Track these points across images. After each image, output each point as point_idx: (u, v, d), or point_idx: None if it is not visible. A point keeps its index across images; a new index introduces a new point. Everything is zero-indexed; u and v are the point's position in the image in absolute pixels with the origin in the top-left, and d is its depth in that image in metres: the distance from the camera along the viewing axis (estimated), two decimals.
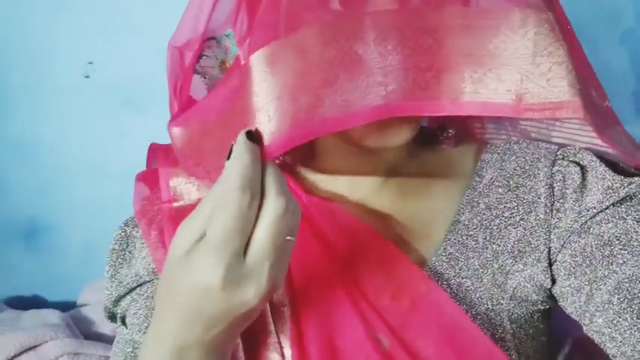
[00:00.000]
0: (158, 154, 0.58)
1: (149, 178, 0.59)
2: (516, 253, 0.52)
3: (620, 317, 0.45)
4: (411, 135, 0.50)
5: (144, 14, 0.92)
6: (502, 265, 0.52)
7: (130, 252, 0.59)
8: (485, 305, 0.51)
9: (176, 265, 0.40)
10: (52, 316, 0.90)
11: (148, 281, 0.56)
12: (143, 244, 0.57)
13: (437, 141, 0.59)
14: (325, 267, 0.51)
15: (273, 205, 0.39)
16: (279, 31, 0.43)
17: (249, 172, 0.39)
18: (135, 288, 0.57)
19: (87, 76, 0.95)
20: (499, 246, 0.52)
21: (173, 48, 0.53)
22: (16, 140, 1.00)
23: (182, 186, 0.55)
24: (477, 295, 0.51)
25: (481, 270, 0.52)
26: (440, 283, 0.51)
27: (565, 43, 0.41)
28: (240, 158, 0.39)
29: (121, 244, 0.59)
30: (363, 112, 0.41)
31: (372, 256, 0.51)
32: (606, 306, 0.46)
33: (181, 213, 0.53)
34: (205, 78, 0.53)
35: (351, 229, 0.52)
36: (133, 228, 0.59)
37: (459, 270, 0.52)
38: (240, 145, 0.40)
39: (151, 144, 0.61)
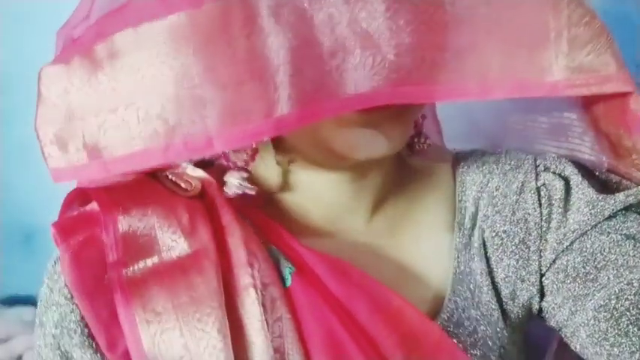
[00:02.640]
0: (92, 189, 0.43)
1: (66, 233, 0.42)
2: (513, 281, 0.49)
3: (606, 334, 0.43)
4: (403, 139, 0.43)
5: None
6: (502, 300, 0.49)
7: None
8: (497, 344, 0.48)
9: None
10: (28, 312, 0.94)
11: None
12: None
13: (414, 151, 0.51)
14: (343, 334, 0.42)
15: None
16: None
17: None
18: None
19: None
20: (497, 281, 0.49)
21: (63, 36, 0.46)
22: (16, 143, 1.00)
23: (139, 232, 0.40)
24: (488, 334, 0.48)
25: (488, 313, 0.48)
26: (456, 335, 0.47)
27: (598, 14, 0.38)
28: None
29: (45, 300, 0.43)
30: (365, 95, 0.35)
31: (391, 319, 0.44)
32: (592, 322, 0.44)
33: (146, 280, 0.39)
34: None
35: (363, 289, 0.45)
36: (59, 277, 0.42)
37: (469, 322, 0.48)
38: None
39: (75, 189, 0.45)
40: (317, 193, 0.47)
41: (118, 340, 0.39)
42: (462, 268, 0.49)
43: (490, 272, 0.49)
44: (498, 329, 0.48)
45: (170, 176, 0.45)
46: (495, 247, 0.49)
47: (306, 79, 0.35)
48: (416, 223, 0.51)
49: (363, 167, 0.46)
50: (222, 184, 0.45)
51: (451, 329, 0.47)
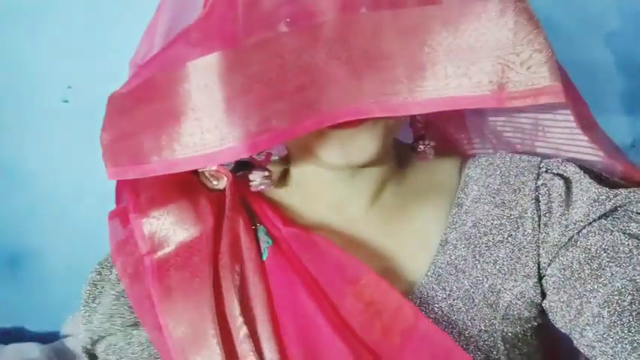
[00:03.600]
0: (126, 192, 0.55)
1: (122, 216, 0.56)
2: (506, 270, 0.51)
3: (610, 331, 0.45)
4: (376, 150, 0.48)
5: (121, 36, 0.86)
6: (493, 284, 0.50)
7: (100, 297, 0.56)
8: (478, 327, 0.50)
9: None
10: (33, 350, 0.88)
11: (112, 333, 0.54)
12: (114, 288, 0.55)
13: (417, 153, 0.57)
14: (310, 305, 0.49)
15: None
16: (225, 44, 0.44)
17: None
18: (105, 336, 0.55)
19: (65, 101, 0.94)
20: (488, 264, 0.51)
21: (134, 65, 0.53)
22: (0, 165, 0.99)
23: (159, 228, 0.52)
24: (470, 317, 0.50)
25: (472, 290, 0.50)
26: (430, 306, 0.50)
27: (543, 31, 0.41)
28: None
29: (94, 287, 0.56)
30: (327, 115, 0.42)
31: (358, 290, 0.49)
32: (596, 320, 0.46)
33: (165, 263, 0.51)
34: None
35: (335, 262, 0.50)
36: (109, 269, 0.56)
37: (450, 292, 0.51)
38: None
39: (118, 181, 0.57)
40: (316, 188, 0.55)
41: (150, 312, 0.50)
42: (448, 256, 0.52)
43: (478, 263, 0.51)
44: (482, 315, 0.50)
45: (206, 172, 0.55)
46: (486, 240, 0.51)
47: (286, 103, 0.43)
48: (411, 215, 0.55)
49: (351, 168, 0.51)
50: (246, 179, 0.55)
51: (423, 306, 0.51)
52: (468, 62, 0.42)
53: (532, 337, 0.53)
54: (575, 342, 0.49)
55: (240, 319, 0.48)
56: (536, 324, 0.53)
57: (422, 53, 0.42)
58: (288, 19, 0.44)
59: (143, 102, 0.47)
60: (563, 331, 0.50)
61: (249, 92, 0.43)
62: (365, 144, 0.47)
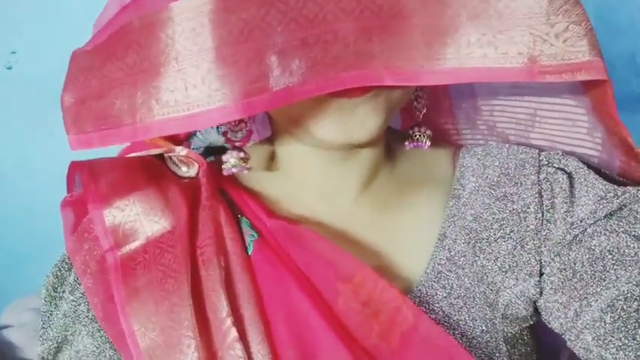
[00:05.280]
0: (83, 176, 0.48)
1: (77, 205, 0.50)
2: (507, 268, 0.48)
3: (612, 336, 0.43)
4: (378, 126, 0.43)
5: (75, 2, 0.83)
6: (492, 282, 0.48)
7: (59, 302, 0.49)
8: (480, 327, 0.47)
9: None
10: None
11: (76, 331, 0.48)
12: (74, 292, 0.49)
13: (410, 140, 0.52)
14: (302, 304, 0.44)
15: None
16: None
17: None
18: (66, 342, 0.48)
19: (9, 67, 0.88)
20: (489, 261, 0.48)
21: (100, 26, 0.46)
22: None
23: (123, 219, 0.46)
24: (471, 317, 0.47)
25: (472, 288, 0.48)
26: (431, 305, 0.47)
27: (580, 1, 0.38)
28: None
29: (53, 290, 0.50)
30: (331, 79, 0.37)
31: (352, 289, 0.45)
32: (597, 324, 0.44)
33: (131, 260, 0.45)
34: None
35: (326, 257, 0.46)
36: (67, 271, 0.49)
37: (450, 290, 0.48)
38: None
39: (72, 162, 0.51)
40: (305, 173, 0.50)
41: (114, 317, 0.45)
42: (447, 252, 0.49)
43: (478, 259, 0.49)
44: (483, 315, 0.48)
45: (174, 158, 0.50)
46: (487, 235, 0.49)
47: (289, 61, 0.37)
48: (405, 204, 0.51)
49: (344, 149, 0.47)
50: (219, 165, 0.50)
51: (424, 306, 0.47)
52: (495, 30, 0.38)
53: (528, 336, 0.51)
54: (569, 343, 0.47)
55: (229, 321, 0.43)
56: (532, 322, 0.50)
57: (443, 16, 0.38)
58: None
59: (115, 55, 0.40)
60: (556, 331, 0.48)
61: (245, 40, 0.37)
62: (367, 117, 0.42)
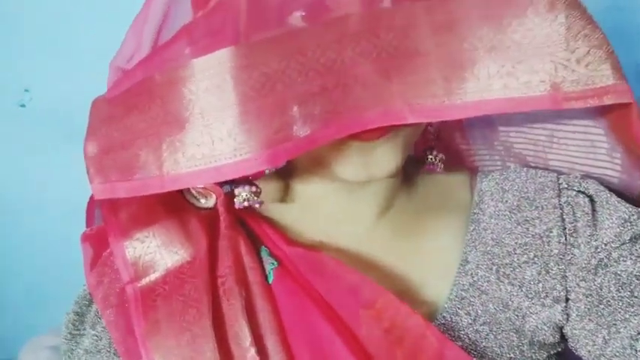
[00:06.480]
0: (103, 209, 0.48)
1: (96, 239, 0.50)
2: (533, 294, 0.47)
3: None
4: (398, 163, 0.43)
5: (86, 36, 0.84)
6: (518, 308, 0.47)
7: (81, 340, 0.49)
8: (508, 355, 0.46)
9: None
10: None
11: None
12: (95, 327, 0.48)
13: (424, 165, 0.52)
14: (325, 332, 0.44)
15: None
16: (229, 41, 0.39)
17: None
18: None
19: (22, 105, 0.88)
20: (514, 286, 0.47)
21: (116, 68, 0.47)
22: None
23: (143, 252, 0.46)
24: (498, 344, 0.46)
25: (498, 315, 0.47)
26: (456, 332, 0.46)
27: (599, 25, 0.38)
28: None
29: (73, 328, 0.49)
30: (352, 121, 0.38)
31: (374, 315, 0.44)
32: (627, 351, 0.43)
33: (151, 292, 0.45)
34: None
35: (347, 283, 0.45)
36: (87, 307, 0.49)
37: (475, 316, 0.47)
38: None
39: (91, 197, 0.51)
40: (322, 204, 0.49)
41: (135, 351, 0.44)
42: (470, 277, 0.48)
43: (502, 285, 0.48)
44: (510, 342, 0.47)
45: (193, 190, 0.50)
46: (510, 260, 0.48)
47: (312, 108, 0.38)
48: (424, 230, 0.51)
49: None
50: (232, 196, 0.49)
51: (449, 333, 0.46)
52: (514, 61, 0.38)
53: None
54: None
55: (253, 350, 0.42)
56: (560, 349, 0.49)
57: (460, 51, 0.38)
58: (303, 13, 0.40)
59: (137, 107, 0.41)
60: (584, 359, 0.47)
61: (267, 94, 0.37)
62: (386, 157, 0.42)
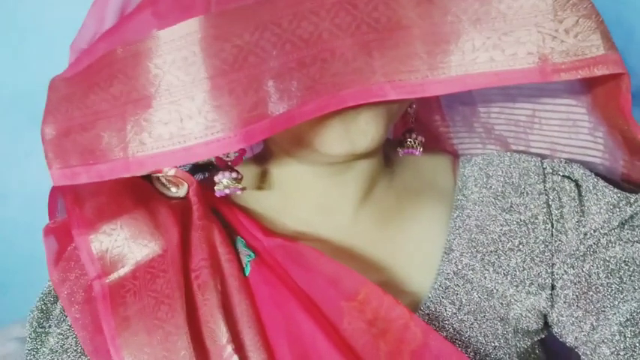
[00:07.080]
0: (67, 200, 0.46)
1: (61, 232, 0.47)
2: (518, 282, 0.46)
3: (634, 352, 0.41)
4: (381, 134, 0.41)
5: (52, 15, 0.80)
6: (503, 296, 0.46)
7: (46, 338, 0.46)
8: (492, 343, 0.45)
9: None
10: None
11: None
12: (60, 325, 0.46)
13: (403, 147, 0.50)
14: (305, 326, 0.42)
15: None
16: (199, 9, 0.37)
17: None
18: None
19: None
20: (498, 274, 0.46)
21: (77, 49, 0.44)
22: None
23: (110, 245, 0.44)
24: (483, 333, 0.45)
25: (482, 303, 0.46)
26: (440, 322, 0.45)
27: None
28: None
29: (38, 325, 0.46)
30: (331, 98, 0.36)
31: (357, 307, 0.42)
32: (616, 338, 0.42)
33: (120, 288, 0.43)
34: None
35: (328, 274, 0.44)
36: (52, 304, 0.47)
37: (460, 305, 0.46)
38: None
39: (53, 187, 0.48)
40: (301, 189, 0.48)
41: (104, 350, 0.42)
42: (454, 266, 0.47)
43: (487, 273, 0.47)
44: (495, 330, 0.46)
45: (162, 178, 0.47)
46: (495, 247, 0.47)
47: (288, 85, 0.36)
48: (407, 216, 0.50)
49: (345, 161, 0.45)
50: (210, 184, 0.47)
51: (433, 323, 0.45)
52: (500, 32, 0.37)
53: (540, 349, 0.49)
54: (584, 357, 0.45)
55: (230, 348, 0.40)
56: (543, 336, 0.49)
57: (443, 23, 0.36)
58: None
59: (99, 84, 0.38)
60: (569, 345, 0.47)
61: (240, 67, 0.35)
62: (370, 125, 0.40)
